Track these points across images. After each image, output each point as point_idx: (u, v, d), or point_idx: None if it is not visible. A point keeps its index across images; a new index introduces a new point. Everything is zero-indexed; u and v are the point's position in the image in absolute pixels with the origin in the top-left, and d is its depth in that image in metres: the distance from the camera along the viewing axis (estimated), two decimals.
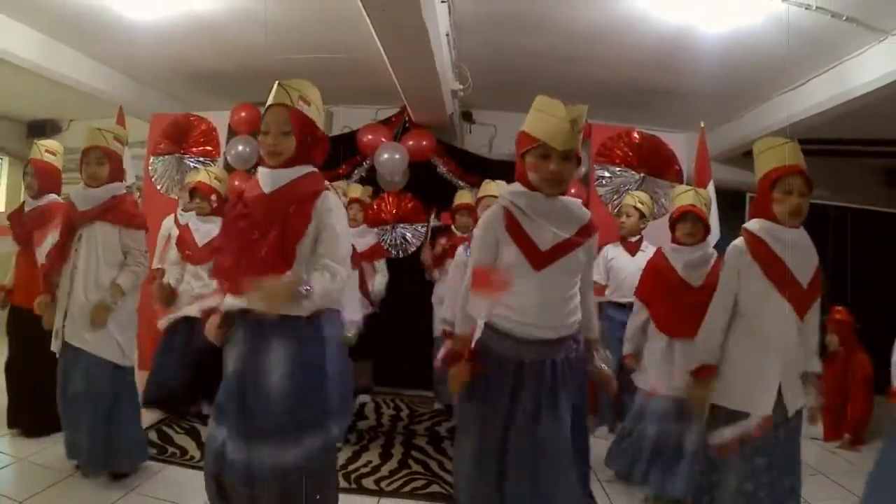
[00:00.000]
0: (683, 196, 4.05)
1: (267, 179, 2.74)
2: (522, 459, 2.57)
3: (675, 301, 3.82)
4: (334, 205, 2.75)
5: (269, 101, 2.75)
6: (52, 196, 4.32)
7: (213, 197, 4.89)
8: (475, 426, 2.67)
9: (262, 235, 2.63)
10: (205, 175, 5.03)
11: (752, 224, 2.83)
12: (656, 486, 3.90)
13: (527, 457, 2.56)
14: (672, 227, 4.03)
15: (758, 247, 2.74)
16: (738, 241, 2.84)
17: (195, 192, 4.96)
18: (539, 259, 2.57)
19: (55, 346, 3.65)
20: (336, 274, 2.62)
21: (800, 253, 2.73)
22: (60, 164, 4.45)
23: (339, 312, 3.00)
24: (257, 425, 2.58)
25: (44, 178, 4.29)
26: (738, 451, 2.72)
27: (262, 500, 2.65)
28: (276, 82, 2.80)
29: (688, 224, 3.92)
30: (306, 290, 2.48)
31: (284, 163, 2.72)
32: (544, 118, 2.56)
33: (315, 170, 2.82)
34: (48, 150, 4.38)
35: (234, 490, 2.65)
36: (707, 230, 3.97)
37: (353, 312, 4.72)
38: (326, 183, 2.80)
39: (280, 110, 2.70)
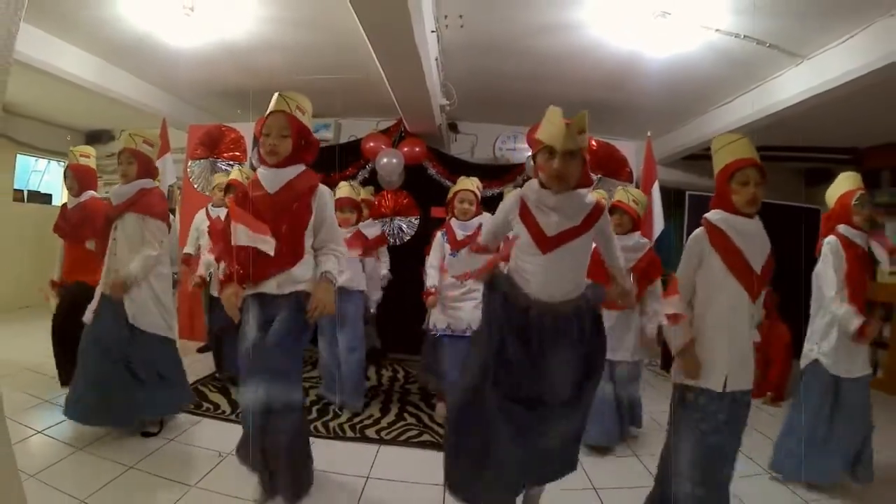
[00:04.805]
0: (615, 193, 4.12)
1: (268, 180, 2.78)
2: (524, 385, 2.46)
3: (607, 278, 3.86)
4: (328, 197, 2.85)
5: (271, 108, 2.78)
6: (91, 193, 4.27)
7: None
8: (484, 349, 2.52)
9: (274, 231, 2.67)
10: (238, 173, 4.98)
11: (712, 215, 2.65)
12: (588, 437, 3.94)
13: (529, 384, 2.46)
14: None
15: (717, 236, 2.59)
16: (700, 231, 2.66)
17: (231, 187, 4.89)
18: (545, 243, 2.47)
19: (87, 317, 3.61)
20: (341, 255, 2.82)
21: (755, 241, 2.59)
22: (94, 164, 4.41)
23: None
24: (269, 371, 2.70)
25: (82, 178, 4.25)
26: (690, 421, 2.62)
27: (273, 434, 2.76)
28: (277, 93, 2.82)
29: (616, 216, 3.96)
30: (334, 279, 2.76)
31: (281, 162, 2.76)
32: (548, 125, 2.46)
33: (306, 167, 2.86)
34: (82, 154, 4.33)
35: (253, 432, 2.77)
36: (635, 222, 3.99)
37: (375, 292, 4.72)
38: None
39: (280, 116, 2.74)
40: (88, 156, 4.36)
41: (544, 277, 2.51)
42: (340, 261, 2.82)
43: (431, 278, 4.36)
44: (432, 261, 4.40)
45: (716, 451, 2.57)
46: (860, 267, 3.37)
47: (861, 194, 3.42)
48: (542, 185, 2.52)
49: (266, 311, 2.77)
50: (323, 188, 2.85)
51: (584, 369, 2.53)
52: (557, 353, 2.47)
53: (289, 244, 2.70)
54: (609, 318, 3.88)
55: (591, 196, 2.60)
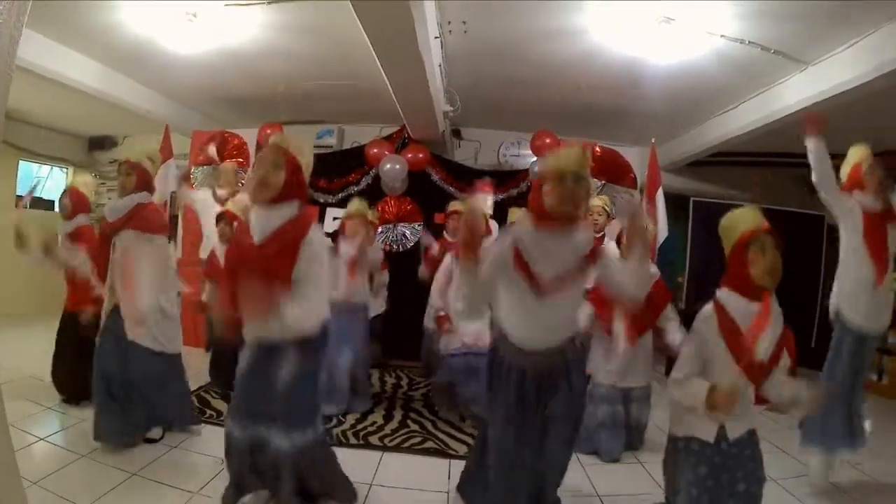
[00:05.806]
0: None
1: (258, 226, 2.66)
2: (536, 429, 2.58)
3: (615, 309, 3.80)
4: (319, 248, 2.67)
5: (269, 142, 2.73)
6: (81, 219, 4.30)
7: None
8: (500, 412, 2.61)
9: (259, 281, 2.50)
10: (232, 205, 4.97)
11: (723, 295, 2.48)
12: (606, 452, 3.95)
13: (538, 427, 2.58)
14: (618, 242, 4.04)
15: (725, 319, 2.40)
16: (709, 308, 2.48)
17: (222, 217, 4.84)
18: (540, 290, 2.43)
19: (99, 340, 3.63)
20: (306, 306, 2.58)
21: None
22: (90, 196, 4.50)
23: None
24: (260, 415, 2.67)
25: (76, 202, 4.30)
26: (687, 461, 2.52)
27: (267, 475, 2.75)
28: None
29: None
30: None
31: (273, 198, 2.63)
32: (558, 155, 2.46)
33: (301, 209, 2.71)
34: (84, 182, 4.51)
35: (245, 469, 2.76)
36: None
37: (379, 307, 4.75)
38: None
39: (276, 147, 2.67)
40: (88, 185, 4.53)
41: (538, 325, 2.54)
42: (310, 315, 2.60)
43: (443, 304, 4.40)
44: (442, 287, 4.48)
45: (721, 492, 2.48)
46: (877, 228, 3.53)
47: (870, 161, 3.65)
48: (538, 227, 2.48)
49: (260, 349, 2.69)
50: (313, 237, 2.64)
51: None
52: (550, 404, 2.59)
53: (269, 295, 2.51)
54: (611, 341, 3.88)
55: (587, 236, 2.56)
